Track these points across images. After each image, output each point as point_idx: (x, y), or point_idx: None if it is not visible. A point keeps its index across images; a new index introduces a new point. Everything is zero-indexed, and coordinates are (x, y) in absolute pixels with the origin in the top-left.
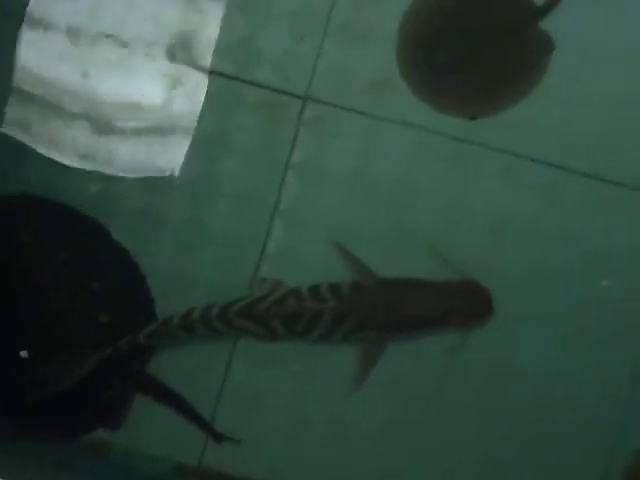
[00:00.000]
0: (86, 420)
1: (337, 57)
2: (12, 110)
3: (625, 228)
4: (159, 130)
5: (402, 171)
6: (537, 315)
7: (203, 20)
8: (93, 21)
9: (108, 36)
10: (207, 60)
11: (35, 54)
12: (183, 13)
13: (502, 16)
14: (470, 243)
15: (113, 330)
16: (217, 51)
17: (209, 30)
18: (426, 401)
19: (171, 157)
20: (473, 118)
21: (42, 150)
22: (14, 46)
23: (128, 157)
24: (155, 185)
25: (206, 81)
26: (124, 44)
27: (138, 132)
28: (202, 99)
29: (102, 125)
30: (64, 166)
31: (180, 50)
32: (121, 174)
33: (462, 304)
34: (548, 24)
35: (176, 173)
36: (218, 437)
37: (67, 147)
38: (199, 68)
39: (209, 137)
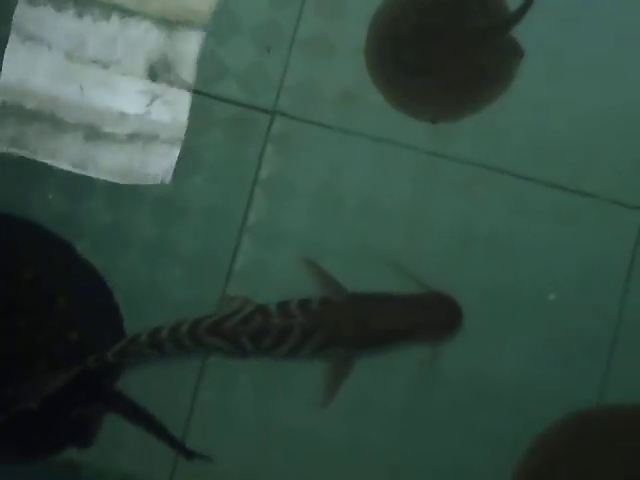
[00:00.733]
0: (56, 439)
1: (304, 70)
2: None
3: (597, 240)
4: (144, 139)
5: (369, 185)
6: (504, 326)
7: (179, 40)
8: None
9: (95, 61)
10: (182, 76)
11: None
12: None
13: (472, 20)
14: (437, 256)
15: (83, 348)
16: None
17: (182, 48)
18: (396, 415)
19: (161, 165)
20: (434, 122)
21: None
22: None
23: (120, 163)
24: (122, 201)
25: (184, 95)
26: (108, 65)
27: (126, 141)
28: (183, 112)
29: (95, 134)
30: (30, 182)
31: (159, 69)
32: (115, 180)
33: (430, 317)
34: (517, 32)
35: (167, 181)
36: (189, 454)
37: (63, 156)
38: (176, 84)
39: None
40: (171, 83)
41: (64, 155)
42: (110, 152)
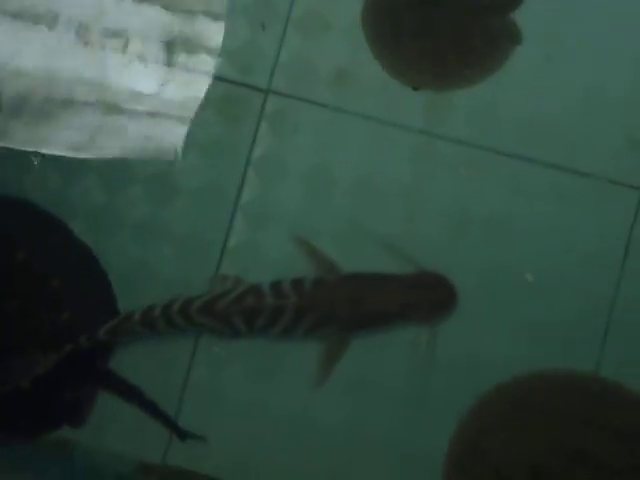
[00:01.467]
0: (49, 418)
1: (299, 48)
2: None
3: (594, 220)
4: (159, 114)
5: (364, 165)
6: (500, 307)
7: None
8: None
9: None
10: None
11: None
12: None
13: None
14: (433, 237)
15: (75, 328)
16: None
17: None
18: (392, 396)
19: (173, 137)
20: (416, 89)
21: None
22: None
23: (135, 138)
24: (116, 181)
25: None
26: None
27: (141, 116)
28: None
29: (112, 109)
30: (23, 162)
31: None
32: (131, 154)
33: (425, 297)
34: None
35: (179, 157)
36: (182, 434)
37: (73, 135)
38: (178, 65)
39: None
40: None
41: (58, 135)
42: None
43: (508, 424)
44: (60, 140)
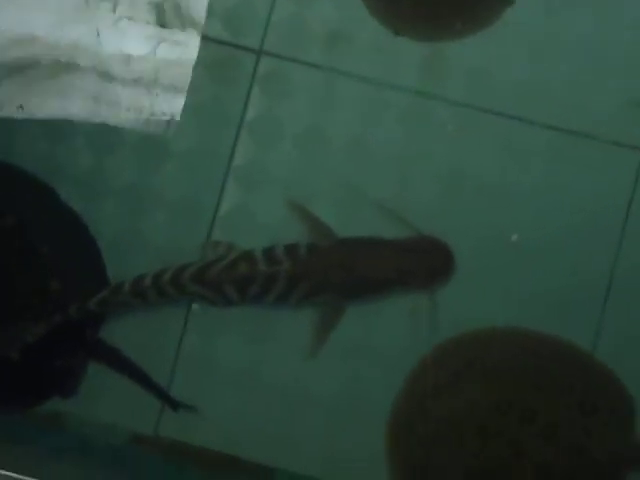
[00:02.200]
0: (38, 389)
1: (292, 7)
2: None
3: (594, 182)
4: (151, 81)
5: (358, 127)
6: (497, 271)
7: None
8: None
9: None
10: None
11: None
12: None
13: None
14: (428, 200)
15: (64, 297)
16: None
17: None
18: (388, 364)
19: (169, 109)
20: (397, 34)
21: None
22: None
23: (131, 105)
24: (103, 145)
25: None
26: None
27: (135, 82)
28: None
29: (108, 75)
30: (7, 125)
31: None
32: (128, 123)
33: (422, 262)
34: None
35: (173, 127)
36: (174, 405)
37: (77, 99)
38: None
39: None
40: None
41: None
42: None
43: (456, 381)
44: (58, 106)
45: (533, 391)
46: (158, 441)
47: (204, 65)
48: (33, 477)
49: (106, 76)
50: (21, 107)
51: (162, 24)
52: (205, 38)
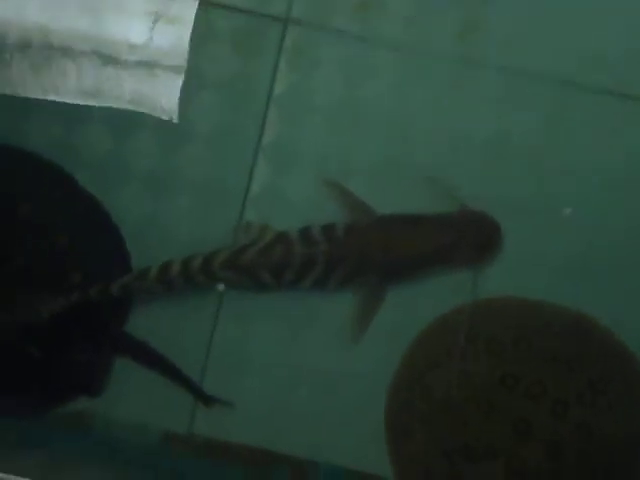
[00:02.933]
0: (62, 389)
1: None
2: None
3: (627, 144)
4: (149, 65)
5: (393, 97)
6: (546, 246)
7: None
8: None
9: None
10: None
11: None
12: None
13: None
14: (472, 172)
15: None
16: None
17: None
18: None
19: (168, 94)
20: None
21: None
22: None
23: (132, 90)
24: (123, 127)
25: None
26: None
27: (135, 67)
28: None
29: (107, 60)
30: (23, 109)
31: None
32: (128, 107)
33: (467, 238)
34: None
35: (175, 112)
36: (208, 400)
37: (73, 84)
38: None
39: None
40: None
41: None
42: (116, 79)
43: (457, 355)
44: (64, 88)
45: (542, 365)
46: (192, 439)
47: (226, 36)
48: None
49: (106, 59)
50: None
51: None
52: (227, 7)
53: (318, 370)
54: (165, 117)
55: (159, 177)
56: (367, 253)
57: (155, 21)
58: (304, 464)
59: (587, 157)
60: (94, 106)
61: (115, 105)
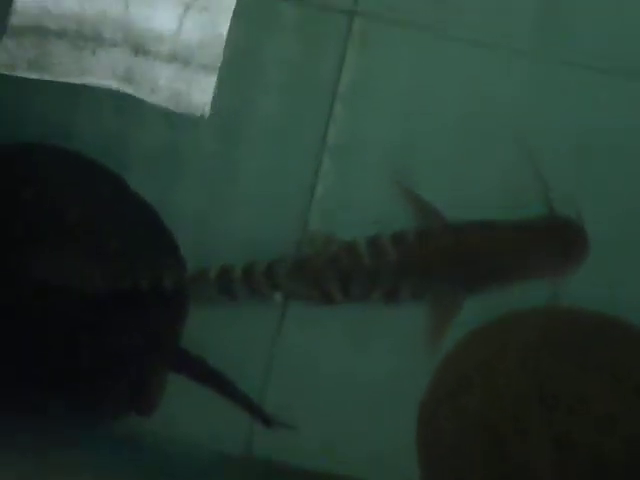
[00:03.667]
0: (111, 406)
1: None
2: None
3: None
4: (183, 59)
5: (469, 94)
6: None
7: None
8: None
9: None
10: None
11: None
12: None
13: None
14: (553, 172)
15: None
16: None
17: None
18: None
19: (201, 90)
20: None
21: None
22: None
23: (163, 85)
24: (178, 122)
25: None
26: None
27: (167, 60)
28: (227, 21)
29: (138, 50)
30: (65, 106)
31: None
32: (158, 102)
33: (550, 247)
34: None
35: (206, 111)
36: (268, 422)
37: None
38: None
39: (239, 65)
40: None
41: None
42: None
43: (486, 371)
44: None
45: (583, 377)
46: (251, 461)
47: (289, 28)
48: None
49: (136, 49)
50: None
51: None
52: None
53: (389, 389)
54: (197, 113)
55: (216, 178)
56: (441, 263)
57: (186, 9)
58: None
59: None
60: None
61: (148, 99)
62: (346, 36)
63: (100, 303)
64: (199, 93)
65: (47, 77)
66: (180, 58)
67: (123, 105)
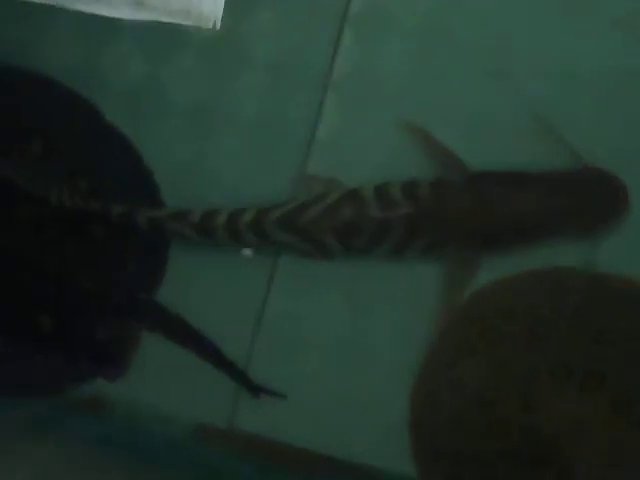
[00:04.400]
0: (79, 368)
1: None
2: None
3: None
4: None
5: (493, 21)
6: None
7: None
8: None
9: None
10: None
11: None
12: None
13: None
14: (590, 118)
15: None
16: None
17: None
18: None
19: (212, 2)
20: None
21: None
22: None
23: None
24: (161, 48)
25: None
26: None
27: None
28: None
29: None
30: (40, 24)
31: None
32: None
33: (583, 202)
34: None
35: (217, 24)
36: (255, 390)
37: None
38: None
39: None
40: None
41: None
42: None
43: (491, 339)
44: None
45: (599, 350)
46: (233, 435)
47: None
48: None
49: None
50: None
51: None
52: None
53: (391, 360)
54: (208, 25)
55: (204, 113)
56: (459, 218)
57: None
58: (369, 471)
59: None
60: (122, 23)
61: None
62: None
63: (59, 241)
64: (210, 5)
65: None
66: None
67: (100, 33)
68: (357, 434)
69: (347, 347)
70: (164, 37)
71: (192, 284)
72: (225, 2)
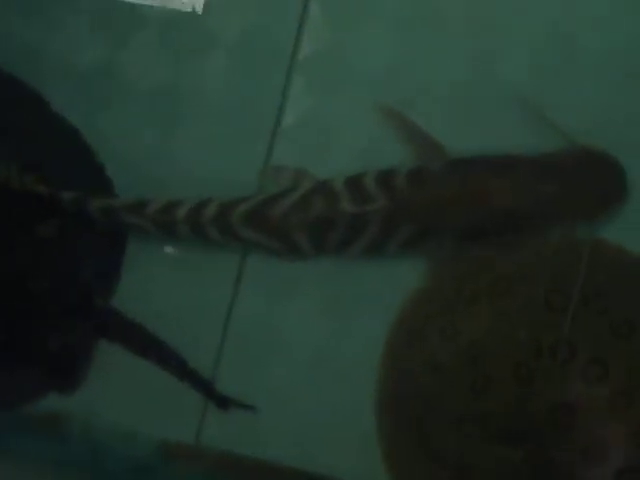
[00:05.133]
0: (30, 382)
1: None
2: None
3: None
4: None
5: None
6: None
7: None
8: None
9: None
10: None
11: None
12: None
13: None
14: (583, 96)
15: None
16: None
17: None
18: None
19: None
20: None
21: None
22: None
23: None
24: (117, 30)
25: None
26: None
27: None
28: None
29: None
30: None
31: None
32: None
33: (580, 186)
34: None
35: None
36: (222, 402)
37: None
38: None
39: None
40: None
41: None
42: None
43: (473, 298)
44: None
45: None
46: (201, 451)
47: None
48: None
49: None
50: None
51: None
52: None
53: (365, 368)
54: (188, 9)
55: (165, 98)
56: (441, 208)
57: None
58: None
59: None
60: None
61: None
62: None
63: (7, 242)
64: None
65: None
66: None
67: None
68: (331, 447)
69: (320, 353)
70: (122, 18)
71: (151, 286)
72: None
